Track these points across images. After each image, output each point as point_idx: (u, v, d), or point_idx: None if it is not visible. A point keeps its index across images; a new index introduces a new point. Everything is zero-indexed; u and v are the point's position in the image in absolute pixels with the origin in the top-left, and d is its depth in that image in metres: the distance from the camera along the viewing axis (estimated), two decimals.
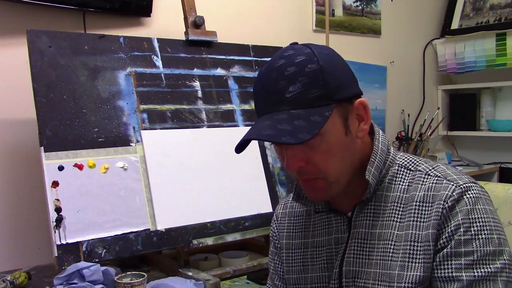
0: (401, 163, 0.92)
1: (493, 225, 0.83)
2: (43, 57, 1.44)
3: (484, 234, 0.82)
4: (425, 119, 2.72)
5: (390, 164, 0.92)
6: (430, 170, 0.89)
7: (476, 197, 0.84)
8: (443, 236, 0.83)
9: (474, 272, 0.81)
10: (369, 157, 0.90)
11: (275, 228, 1.08)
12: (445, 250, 0.83)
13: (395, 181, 0.91)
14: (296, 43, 0.89)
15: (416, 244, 0.85)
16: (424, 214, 0.86)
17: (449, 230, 0.83)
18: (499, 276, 0.81)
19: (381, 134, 0.93)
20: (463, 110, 3.09)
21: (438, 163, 0.92)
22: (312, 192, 0.90)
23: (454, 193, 0.84)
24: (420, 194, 0.87)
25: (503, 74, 2.89)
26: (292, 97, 0.81)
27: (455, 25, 3.03)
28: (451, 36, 2.98)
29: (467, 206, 0.83)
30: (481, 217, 0.83)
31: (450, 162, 2.92)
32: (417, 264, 0.85)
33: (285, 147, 0.85)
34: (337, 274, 0.93)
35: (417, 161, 0.93)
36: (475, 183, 0.87)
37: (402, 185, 0.90)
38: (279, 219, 1.08)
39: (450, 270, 0.82)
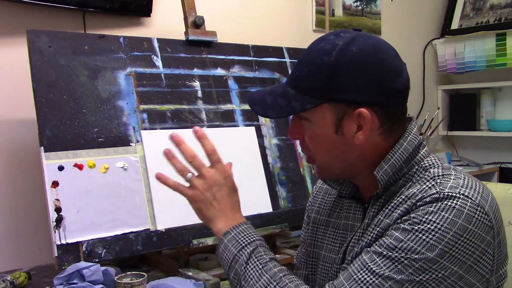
0: (423, 164, 0.90)
1: (448, 237, 0.77)
2: (43, 57, 1.44)
3: (426, 236, 0.77)
4: (425, 119, 2.72)
5: (414, 164, 0.90)
6: (438, 175, 0.86)
7: (451, 206, 0.79)
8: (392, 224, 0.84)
9: (388, 252, 0.79)
10: None
11: (311, 199, 1.13)
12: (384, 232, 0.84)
13: (410, 180, 0.89)
14: (359, 30, 0.91)
15: (376, 228, 0.87)
16: (399, 207, 0.85)
17: (399, 220, 0.83)
18: (409, 272, 0.77)
19: (413, 132, 0.91)
20: (463, 110, 3.09)
21: (462, 173, 0.87)
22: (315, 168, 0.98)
23: (428, 197, 0.81)
24: (412, 191, 0.86)
25: (503, 74, 2.89)
26: (295, 77, 0.90)
27: (455, 25, 3.03)
28: (451, 36, 2.98)
29: (431, 208, 0.80)
30: (437, 223, 0.78)
31: (450, 162, 2.92)
32: (362, 243, 0.88)
33: (292, 118, 0.94)
34: (340, 260, 0.95)
35: (437, 164, 0.90)
36: (468, 197, 0.80)
37: (412, 183, 0.89)
38: (315, 192, 1.13)
39: (375, 243, 0.84)
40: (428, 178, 0.86)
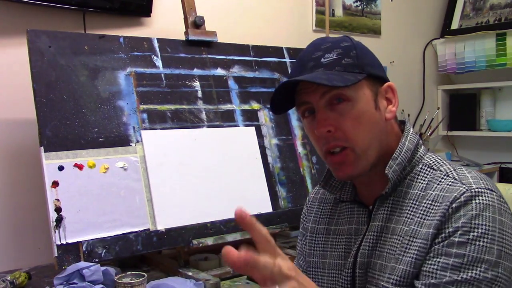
0: (426, 162, 0.92)
1: (497, 235, 0.80)
2: (43, 57, 1.44)
3: (482, 241, 0.80)
4: (425, 119, 2.72)
5: (416, 162, 0.92)
6: (450, 171, 0.88)
7: (486, 203, 0.82)
8: (440, 236, 0.82)
9: (459, 274, 0.79)
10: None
11: (305, 210, 1.12)
12: (437, 247, 0.82)
13: (417, 179, 0.91)
14: None
15: (413, 239, 0.86)
16: (430, 213, 0.85)
17: (447, 231, 0.82)
18: (484, 285, 0.79)
19: (411, 132, 0.95)
20: (463, 110, 3.09)
21: (463, 167, 0.90)
22: (340, 167, 0.91)
23: (462, 196, 0.83)
24: (433, 193, 0.86)
25: (503, 74, 2.89)
26: (327, 62, 0.88)
27: (455, 25, 3.03)
28: (451, 36, 2.98)
29: (472, 211, 0.81)
30: (485, 224, 0.81)
31: None
32: (408, 259, 0.85)
33: (317, 112, 0.89)
34: (351, 264, 0.95)
35: (442, 162, 0.92)
36: (491, 189, 0.84)
37: (422, 183, 0.90)
38: (310, 202, 1.11)
39: (435, 267, 0.81)
40: (442, 175, 0.88)
